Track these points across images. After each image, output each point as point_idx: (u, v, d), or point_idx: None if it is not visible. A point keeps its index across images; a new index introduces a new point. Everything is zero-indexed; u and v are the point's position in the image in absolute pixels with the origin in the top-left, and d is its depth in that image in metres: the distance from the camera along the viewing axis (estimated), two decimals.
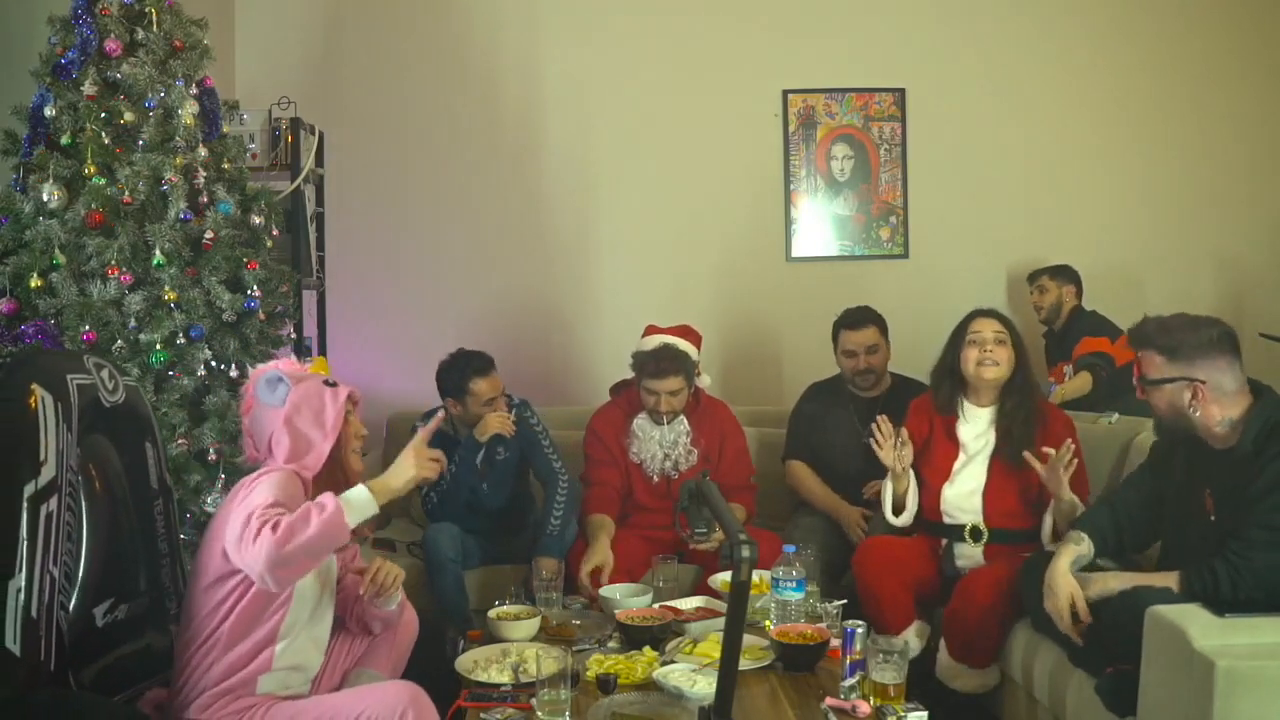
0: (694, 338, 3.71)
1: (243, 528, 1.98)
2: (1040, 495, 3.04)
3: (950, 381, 3.15)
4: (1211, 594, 2.26)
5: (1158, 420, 2.56)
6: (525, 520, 3.62)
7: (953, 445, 3.14)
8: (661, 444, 3.54)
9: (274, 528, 1.94)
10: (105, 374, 2.34)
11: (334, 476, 2.28)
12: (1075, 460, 2.86)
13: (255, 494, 2.08)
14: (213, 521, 2.19)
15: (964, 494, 3.07)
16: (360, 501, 2.09)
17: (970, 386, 3.14)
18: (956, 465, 3.11)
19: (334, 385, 2.30)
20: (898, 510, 3.16)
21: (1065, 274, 4.55)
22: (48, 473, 2.06)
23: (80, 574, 2.21)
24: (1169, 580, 2.37)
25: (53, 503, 2.05)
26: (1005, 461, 3.05)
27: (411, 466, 2.23)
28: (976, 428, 3.12)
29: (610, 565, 3.30)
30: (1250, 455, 2.36)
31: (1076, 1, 4.91)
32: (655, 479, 3.56)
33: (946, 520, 3.10)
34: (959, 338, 3.16)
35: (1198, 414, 2.41)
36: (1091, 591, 2.48)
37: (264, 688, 2.15)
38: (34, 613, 1.98)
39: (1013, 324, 3.17)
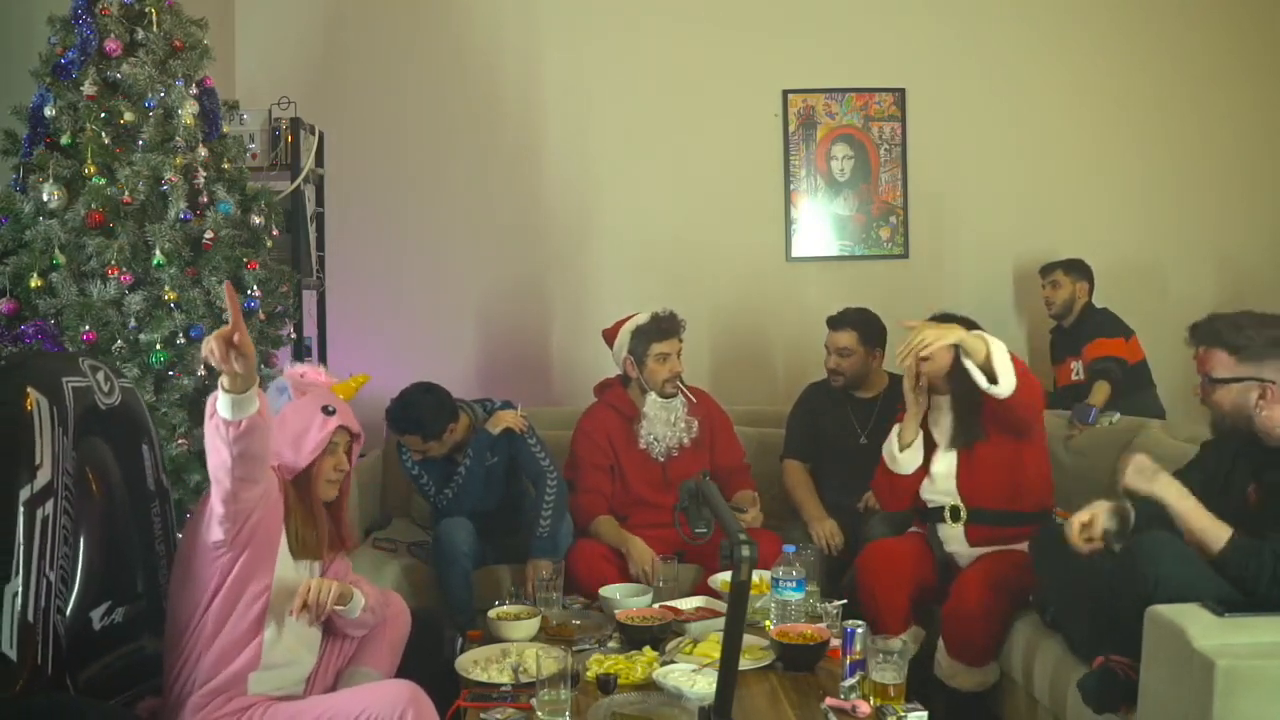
0: None
1: None
2: (1015, 475, 3.08)
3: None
4: (1252, 574, 2.22)
5: (1217, 419, 2.50)
6: (520, 520, 3.61)
7: (931, 438, 3.19)
8: (668, 422, 3.57)
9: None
10: (101, 376, 2.34)
11: (301, 493, 2.29)
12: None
13: None
14: (190, 521, 2.21)
15: (940, 478, 3.12)
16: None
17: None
18: (936, 456, 3.15)
19: (331, 413, 2.30)
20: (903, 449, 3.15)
21: (1080, 270, 4.51)
22: (43, 476, 2.05)
23: (77, 577, 2.20)
24: (1221, 531, 2.29)
25: (48, 506, 2.05)
26: (963, 444, 3.09)
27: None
28: (942, 416, 3.17)
29: (651, 554, 3.38)
30: None
31: (1077, 1, 4.91)
32: (661, 459, 3.58)
33: (929, 504, 3.15)
34: None
35: (1263, 414, 2.37)
36: (1142, 483, 2.38)
37: (256, 688, 2.16)
38: (30, 616, 1.98)
39: (955, 318, 3.18)
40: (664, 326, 3.58)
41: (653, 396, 3.58)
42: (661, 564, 3.31)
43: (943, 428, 3.15)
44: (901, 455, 3.13)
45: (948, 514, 3.10)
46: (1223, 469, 2.54)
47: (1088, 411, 3.75)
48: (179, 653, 2.16)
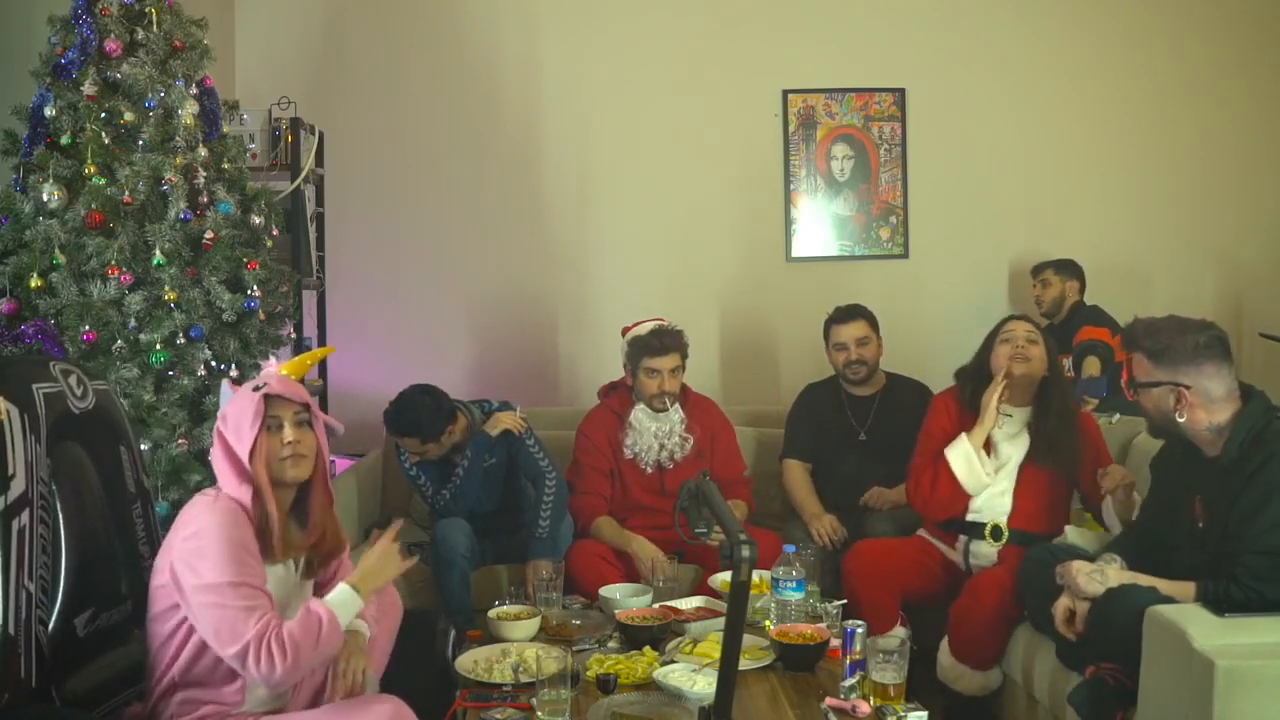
0: None
1: (232, 636, 1.94)
2: (1064, 505, 3.07)
3: (978, 380, 3.13)
4: (1232, 605, 2.23)
5: (1149, 421, 2.55)
6: (520, 520, 3.61)
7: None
8: (657, 435, 3.55)
9: (280, 650, 1.94)
10: (73, 380, 2.30)
11: (262, 501, 2.10)
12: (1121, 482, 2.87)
13: (204, 561, 1.98)
14: (168, 555, 2.08)
15: (993, 494, 3.07)
16: (346, 600, 2.10)
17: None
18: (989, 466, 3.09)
19: (260, 388, 2.12)
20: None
21: (1069, 269, 4.54)
22: (17, 486, 2.02)
23: (59, 586, 2.17)
24: (1186, 590, 2.34)
25: (24, 517, 2.01)
26: (1037, 466, 3.05)
27: (394, 568, 2.21)
28: (1010, 429, 3.11)
29: (658, 552, 3.37)
30: (1235, 463, 2.35)
31: (1077, 1, 4.91)
32: (649, 470, 3.57)
33: (970, 517, 3.10)
34: (993, 338, 3.16)
35: (1183, 419, 2.40)
36: (1098, 587, 2.45)
37: (242, 709, 2.10)
38: (11, 630, 1.95)
39: (1046, 334, 3.19)
40: (658, 343, 3.52)
41: (641, 407, 3.58)
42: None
43: (1015, 443, 3.08)
44: (988, 478, 3.03)
45: (988, 533, 3.06)
46: (1168, 491, 2.58)
47: (1099, 385, 3.75)
48: (156, 685, 2.10)
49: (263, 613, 1.97)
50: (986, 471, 3.04)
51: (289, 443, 2.10)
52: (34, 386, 2.17)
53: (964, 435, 3.07)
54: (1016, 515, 3.05)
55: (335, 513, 2.28)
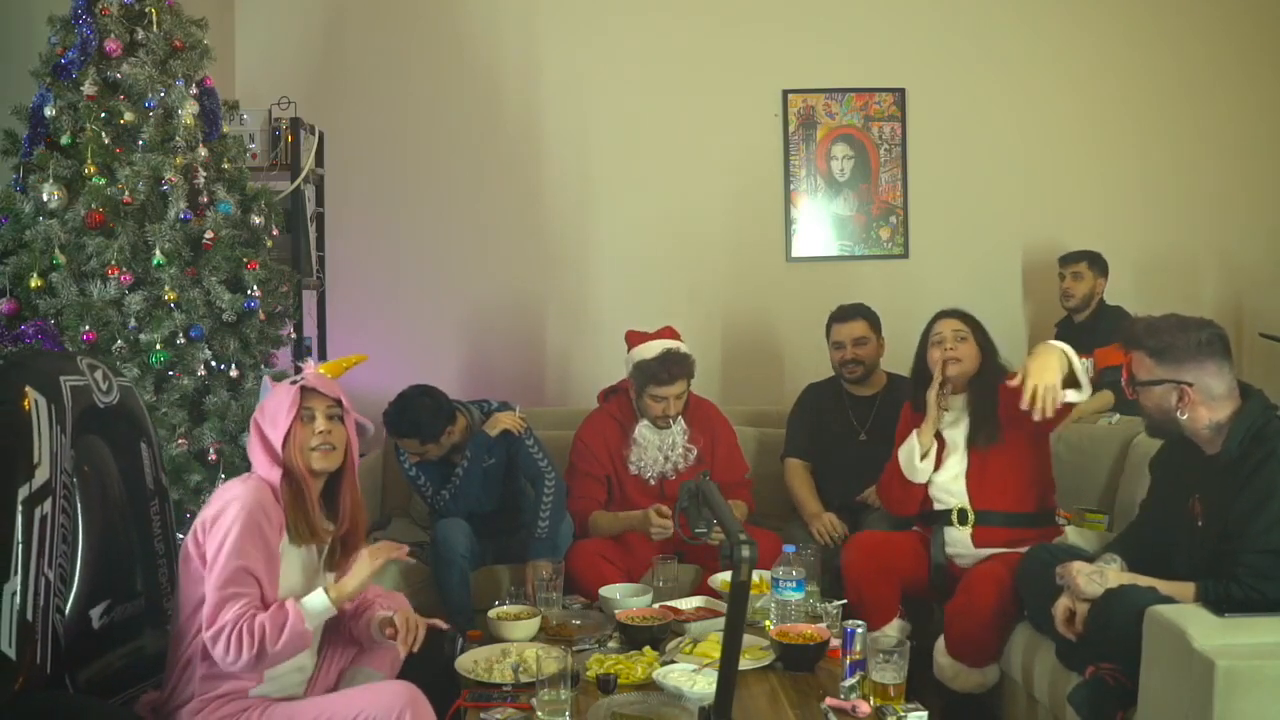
0: (677, 338, 3.69)
1: (210, 618, 2.04)
2: (1024, 477, 3.09)
3: (921, 382, 3.20)
4: (1231, 604, 2.23)
5: (1148, 420, 2.56)
6: (520, 520, 3.61)
7: (937, 437, 3.19)
8: (661, 448, 3.55)
9: (249, 638, 2.02)
10: (99, 375, 2.34)
11: (293, 485, 2.22)
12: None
13: (218, 533, 2.09)
14: (194, 526, 2.16)
15: (949, 479, 3.12)
16: (317, 608, 2.15)
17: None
18: (945, 454, 3.15)
19: (297, 381, 2.26)
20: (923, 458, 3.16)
21: (1100, 264, 4.46)
22: (41, 475, 2.06)
23: (76, 576, 2.21)
24: (1186, 591, 2.34)
25: (47, 505, 2.05)
26: (981, 445, 3.11)
27: (367, 565, 2.24)
28: (951, 415, 3.19)
29: (653, 509, 3.38)
30: (1234, 461, 2.35)
31: (1077, 1, 4.91)
32: (653, 483, 3.57)
33: (936, 506, 3.15)
34: (925, 341, 3.23)
35: (1185, 417, 2.41)
36: (1097, 588, 2.45)
37: (257, 691, 2.15)
38: (29, 616, 1.98)
39: (975, 319, 3.23)
40: (666, 374, 3.48)
41: (645, 423, 3.57)
42: (661, 563, 3.31)
43: (958, 428, 3.16)
44: (922, 465, 3.12)
45: (955, 517, 3.09)
46: (1167, 490, 2.59)
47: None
48: (179, 660, 2.15)
49: (245, 601, 2.06)
50: (920, 458, 3.13)
51: (320, 432, 2.24)
52: (61, 378, 2.21)
53: (914, 432, 3.16)
54: (977, 496, 3.09)
55: (363, 510, 2.38)
